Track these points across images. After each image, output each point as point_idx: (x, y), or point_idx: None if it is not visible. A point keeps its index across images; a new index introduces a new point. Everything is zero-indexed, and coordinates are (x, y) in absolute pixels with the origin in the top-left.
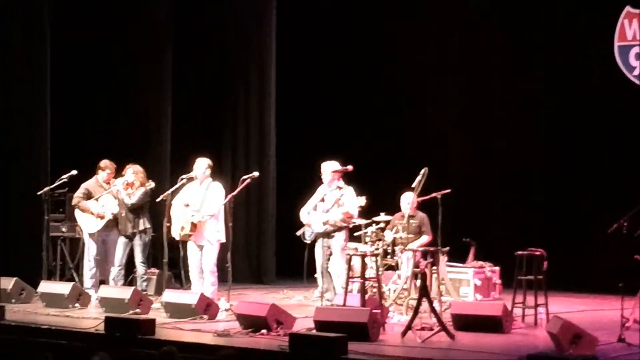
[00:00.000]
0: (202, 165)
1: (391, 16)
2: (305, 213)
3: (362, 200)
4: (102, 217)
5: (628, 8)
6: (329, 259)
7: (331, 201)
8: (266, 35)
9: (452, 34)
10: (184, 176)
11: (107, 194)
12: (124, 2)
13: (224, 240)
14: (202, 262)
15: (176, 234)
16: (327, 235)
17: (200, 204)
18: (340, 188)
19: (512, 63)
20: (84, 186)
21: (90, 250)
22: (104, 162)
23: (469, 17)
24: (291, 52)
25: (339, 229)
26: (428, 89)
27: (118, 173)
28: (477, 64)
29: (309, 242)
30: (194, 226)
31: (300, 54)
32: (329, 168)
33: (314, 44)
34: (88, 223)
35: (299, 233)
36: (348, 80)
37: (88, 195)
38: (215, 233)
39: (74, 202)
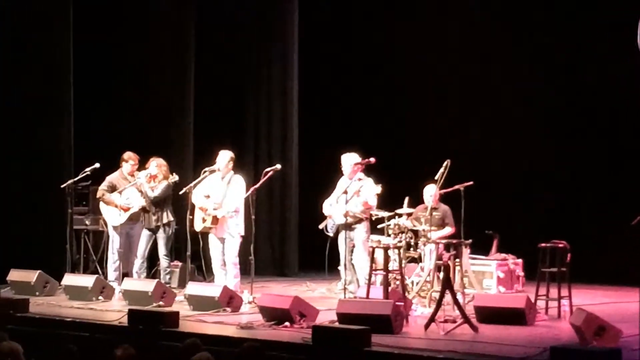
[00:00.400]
0: (224, 157)
1: (420, 3)
2: (328, 205)
3: (378, 189)
4: (126, 210)
5: None
6: (352, 251)
7: (351, 193)
8: (289, 28)
9: (483, 19)
10: (206, 169)
11: (131, 187)
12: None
13: (243, 233)
14: (225, 255)
15: (197, 225)
16: (349, 227)
17: (222, 197)
18: (360, 180)
19: (540, 53)
20: (108, 179)
21: (114, 243)
22: (128, 154)
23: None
24: (314, 44)
25: (360, 220)
26: (452, 81)
27: (141, 166)
28: (504, 53)
29: (331, 234)
30: (215, 220)
31: (323, 45)
32: (350, 160)
33: (338, 36)
34: (112, 216)
35: (321, 226)
36: (371, 71)
37: (112, 188)
38: (235, 226)
39: (98, 194)
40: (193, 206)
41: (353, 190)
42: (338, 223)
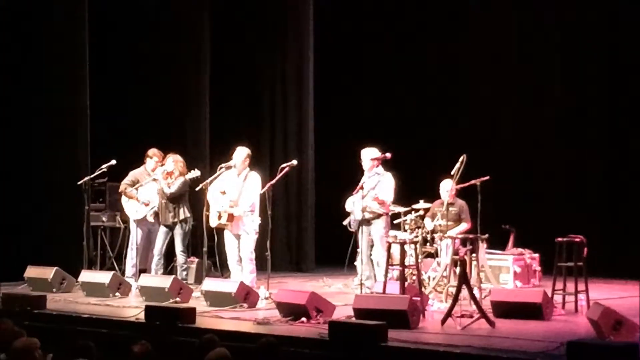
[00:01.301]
0: (241, 154)
1: (435, 4)
2: (350, 202)
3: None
4: (147, 204)
5: None
6: (371, 247)
7: (368, 188)
8: (304, 21)
9: (489, 24)
10: (222, 165)
11: (152, 182)
12: None
13: (258, 229)
14: (241, 251)
15: (213, 221)
16: (367, 222)
17: (238, 194)
18: (378, 174)
19: (552, 50)
20: (132, 174)
21: (135, 237)
22: (152, 151)
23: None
24: (330, 39)
25: (378, 216)
26: (466, 78)
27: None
28: (516, 53)
29: (353, 230)
30: (231, 217)
31: (339, 41)
32: (368, 155)
33: (353, 31)
34: (134, 210)
35: (345, 222)
36: (387, 68)
37: (135, 183)
38: (251, 223)
39: (120, 188)
40: (209, 202)
41: (370, 186)
42: (357, 219)
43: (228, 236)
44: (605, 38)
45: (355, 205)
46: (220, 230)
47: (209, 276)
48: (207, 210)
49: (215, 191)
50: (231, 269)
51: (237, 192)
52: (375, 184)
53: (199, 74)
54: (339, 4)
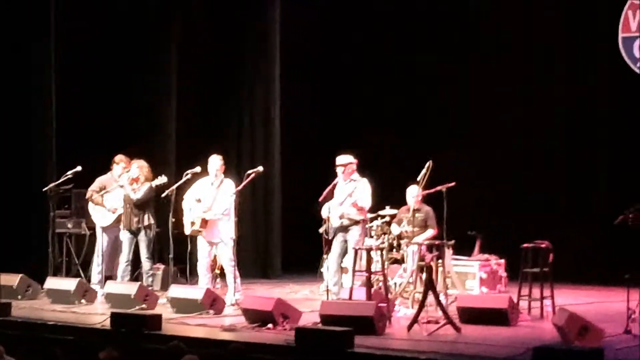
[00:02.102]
0: (215, 162)
1: (398, 13)
2: (326, 209)
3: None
4: (114, 211)
5: None
6: (345, 254)
7: (344, 194)
8: (271, 26)
9: (454, 32)
10: (188, 171)
11: (119, 188)
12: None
13: (234, 235)
14: (222, 261)
15: (186, 228)
16: (344, 229)
17: (212, 201)
18: (354, 180)
19: (514, 58)
20: (98, 180)
21: (101, 244)
22: (119, 157)
23: (478, 15)
24: (297, 44)
25: (356, 222)
26: (431, 83)
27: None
28: (481, 58)
29: (330, 238)
30: (204, 222)
31: (306, 46)
32: (341, 161)
33: (320, 36)
34: (100, 216)
35: (321, 230)
36: (353, 73)
37: (102, 189)
38: (227, 231)
39: (87, 195)
40: (176, 208)
41: (347, 192)
42: (334, 226)
43: (201, 243)
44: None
45: (331, 212)
46: (194, 238)
47: (175, 283)
48: (174, 216)
49: (191, 200)
50: (199, 275)
51: (212, 198)
52: (352, 190)
53: (166, 79)
54: (308, 10)
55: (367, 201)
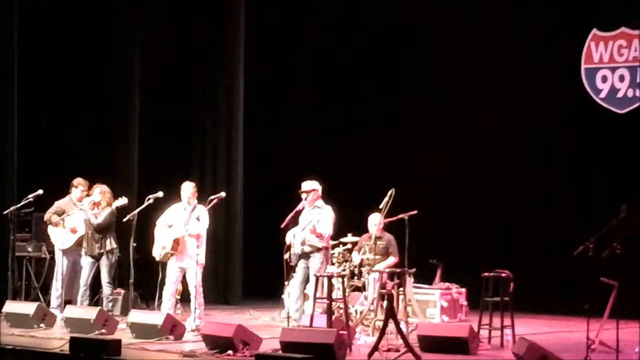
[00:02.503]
0: (187, 189)
1: (363, 30)
2: (291, 235)
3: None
4: (74, 231)
5: (595, 31)
6: (307, 280)
7: (307, 221)
8: (235, 50)
9: (428, 57)
10: (150, 196)
11: (79, 212)
12: (94, 18)
13: (204, 263)
14: (190, 286)
15: (157, 254)
16: (306, 255)
17: (184, 225)
18: (319, 207)
19: (481, 83)
20: (57, 204)
21: (60, 268)
22: (77, 180)
23: (435, 44)
24: (261, 70)
25: (317, 249)
26: (393, 112)
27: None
28: (445, 87)
29: (293, 264)
30: (175, 243)
31: (270, 71)
32: (304, 187)
33: (284, 60)
34: (60, 240)
35: (286, 256)
36: (317, 99)
37: (59, 213)
38: (198, 256)
39: (45, 217)
40: (140, 233)
41: (309, 219)
42: (296, 252)
43: (171, 268)
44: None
45: (295, 238)
46: (149, 262)
47: (135, 308)
48: (145, 241)
49: (163, 226)
50: (164, 299)
51: (184, 222)
52: (316, 216)
53: (129, 103)
54: (270, 33)
55: (326, 228)
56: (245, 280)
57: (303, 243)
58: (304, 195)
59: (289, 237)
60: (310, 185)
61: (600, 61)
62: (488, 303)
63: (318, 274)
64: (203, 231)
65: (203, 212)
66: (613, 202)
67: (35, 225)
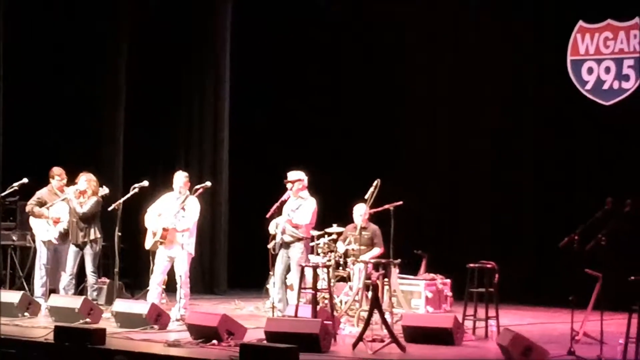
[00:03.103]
0: (179, 178)
1: (351, 23)
2: (274, 224)
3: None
4: (57, 222)
5: (581, 23)
6: (288, 270)
7: (289, 210)
8: (222, 42)
9: (416, 50)
10: (135, 185)
11: (61, 202)
12: (81, 9)
13: (193, 253)
14: (177, 275)
15: (147, 242)
16: (287, 245)
17: (175, 215)
18: (302, 198)
19: (467, 76)
20: (37, 194)
21: (41, 258)
22: (55, 169)
23: (432, 38)
24: (248, 58)
25: (298, 239)
26: (381, 103)
27: (71, 181)
28: (434, 79)
29: (275, 254)
30: (165, 232)
31: (257, 61)
32: (289, 177)
33: (272, 51)
34: (42, 230)
35: (270, 245)
36: (302, 91)
37: (41, 204)
38: (187, 246)
39: (27, 208)
40: (125, 222)
41: (291, 208)
42: (277, 241)
43: (161, 255)
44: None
45: (278, 227)
46: (134, 251)
47: (120, 297)
48: (132, 230)
49: (153, 215)
50: (150, 288)
51: (174, 213)
52: (297, 207)
53: (115, 92)
54: (259, 24)
55: (304, 219)
56: (230, 270)
57: (283, 232)
58: (289, 185)
59: (272, 227)
60: (296, 175)
61: (586, 53)
62: (473, 294)
63: (303, 264)
64: (192, 223)
65: (194, 203)
66: (598, 194)
67: (20, 214)
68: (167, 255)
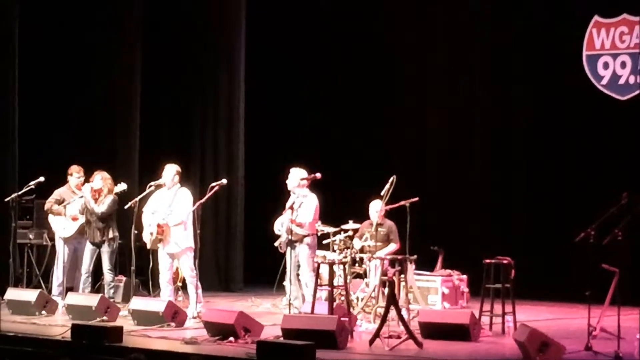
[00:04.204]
0: (170, 171)
1: (363, 22)
2: (279, 223)
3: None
4: (75, 219)
5: (596, 17)
6: (298, 267)
7: (294, 208)
8: (235, 40)
9: (426, 44)
10: (152, 183)
11: (79, 199)
12: (95, 5)
13: (193, 245)
14: (183, 272)
15: (147, 241)
16: (292, 243)
17: (168, 209)
18: (304, 196)
19: (482, 72)
20: (56, 192)
21: (61, 255)
22: (73, 167)
23: (448, 30)
24: (262, 57)
25: (303, 237)
26: (396, 99)
27: (86, 180)
28: (447, 75)
29: (283, 251)
30: (160, 228)
31: (270, 59)
32: (296, 175)
33: (285, 48)
34: (61, 227)
35: (276, 244)
36: (318, 87)
37: (59, 201)
38: (184, 240)
39: (46, 207)
40: (138, 220)
41: (294, 207)
42: (283, 240)
43: (161, 256)
44: (539, 54)
45: (283, 226)
46: (156, 251)
47: (137, 295)
48: (137, 229)
49: (148, 212)
50: (161, 288)
51: (167, 207)
52: (299, 205)
53: (130, 91)
54: (272, 23)
55: (307, 216)
56: (247, 267)
57: (288, 231)
58: (291, 183)
59: (277, 226)
60: (298, 174)
61: (602, 48)
62: (489, 290)
63: (313, 261)
64: (185, 216)
65: (185, 195)
66: (614, 189)
67: (36, 212)
68: (166, 252)
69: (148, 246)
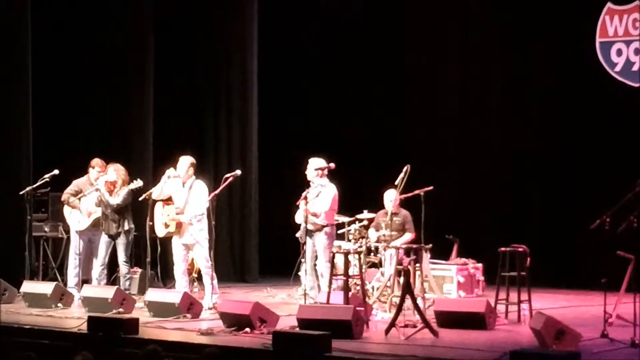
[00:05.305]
0: (185, 163)
1: (376, 13)
2: (301, 214)
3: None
4: (89, 214)
5: (609, 4)
6: (316, 257)
7: (311, 198)
8: (248, 32)
9: (439, 33)
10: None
11: (95, 192)
12: (106, 2)
13: (208, 236)
14: (198, 263)
15: (160, 231)
16: (310, 233)
17: (184, 203)
18: (322, 185)
19: (496, 58)
20: (75, 183)
21: (76, 248)
22: (95, 161)
23: (461, 17)
24: (274, 49)
25: (320, 227)
26: (409, 88)
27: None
28: (457, 65)
29: (302, 242)
30: (179, 225)
31: (283, 50)
32: (313, 165)
33: (297, 40)
34: (76, 220)
35: (298, 234)
36: (331, 77)
37: (77, 193)
38: (199, 232)
39: (63, 198)
40: (152, 212)
41: (312, 196)
42: (303, 230)
43: (176, 245)
44: (552, 40)
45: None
46: (165, 240)
47: (152, 287)
48: (152, 220)
49: (160, 205)
50: (176, 279)
51: (183, 200)
52: (317, 195)
53: (144, 84)
54: (284, 14)
55: (323, 206)
56: (262, 258)
57: (306, 221)
58: (309, 174)
59: (298, 216)
60: (314, 164)
61: (615, 35)
62: (505, 278)
63: (333, 251)
64: (204, 209)
65: (201, 188)
66: (629, 176)
67: (51, 205)
68: (182, 243)
69: (160, 235)
